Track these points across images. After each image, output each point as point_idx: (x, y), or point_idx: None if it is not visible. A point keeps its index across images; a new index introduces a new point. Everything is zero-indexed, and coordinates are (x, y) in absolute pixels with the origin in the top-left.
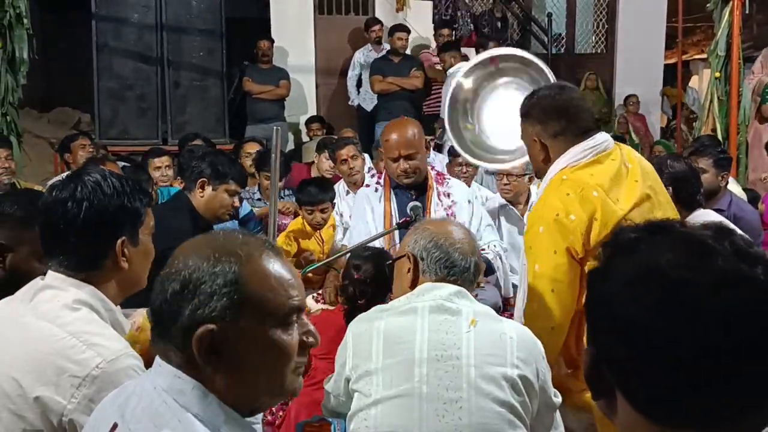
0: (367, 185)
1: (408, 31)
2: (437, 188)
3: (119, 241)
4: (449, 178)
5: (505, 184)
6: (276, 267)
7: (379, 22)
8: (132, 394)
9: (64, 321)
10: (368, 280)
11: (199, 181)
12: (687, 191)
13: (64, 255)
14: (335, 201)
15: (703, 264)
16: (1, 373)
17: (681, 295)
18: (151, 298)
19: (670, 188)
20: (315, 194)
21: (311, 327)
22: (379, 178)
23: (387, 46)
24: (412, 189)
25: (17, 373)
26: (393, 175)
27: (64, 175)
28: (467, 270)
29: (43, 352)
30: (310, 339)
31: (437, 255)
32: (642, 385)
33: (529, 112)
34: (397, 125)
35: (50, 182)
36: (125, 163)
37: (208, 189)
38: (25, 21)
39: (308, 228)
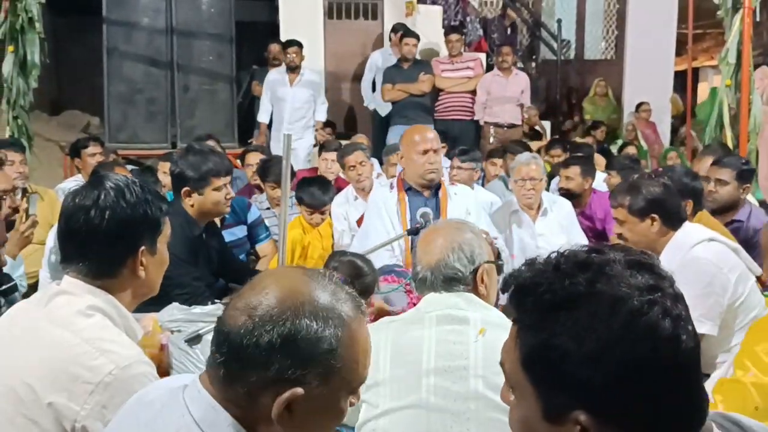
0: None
1: (417, 37)
2: (450, 192)
3: (139, 251)
4: (454, 185)
5: (529, 189)
6: (365, 334)
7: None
8: (159, 415)
9: (78, 327)
10: (348, 278)
11: (183, 191)
12: (670, 212)
13: (83, 262)
14: (343, 206)
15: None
16: (15, 378)
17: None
18: (233, 330)
19: (656, 215)
20: (318, 197)
21: (360, 391)
22: (391, 185)
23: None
24: (425, 191)
25: (31, 379)
26: (419, 171)
27: (75, 178)
28: (425, 280)
29: (57, 358)
30: (355, 401)
31: (413, 271)
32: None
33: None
34: (418, 128)
35: (60, 186)
36: (134, 167)
37: (195, 195)
38: (37, 25)
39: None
